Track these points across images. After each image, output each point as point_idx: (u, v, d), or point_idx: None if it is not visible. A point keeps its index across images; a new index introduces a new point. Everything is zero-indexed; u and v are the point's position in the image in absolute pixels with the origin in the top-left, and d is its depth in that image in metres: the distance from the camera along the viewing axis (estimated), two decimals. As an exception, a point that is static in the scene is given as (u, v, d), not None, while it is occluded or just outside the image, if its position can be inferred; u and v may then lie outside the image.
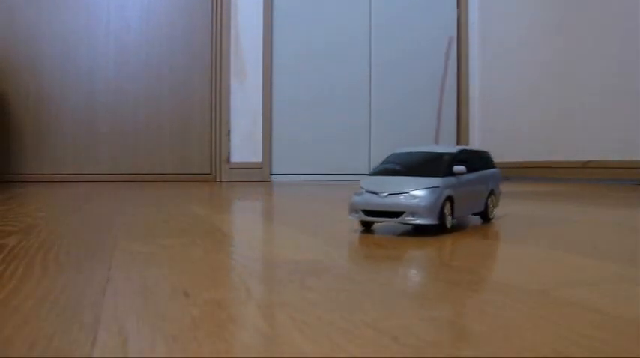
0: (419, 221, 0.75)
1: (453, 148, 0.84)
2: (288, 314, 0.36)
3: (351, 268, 0.52)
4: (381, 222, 0.79)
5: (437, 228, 0.77)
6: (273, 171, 3.16)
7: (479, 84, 3.48)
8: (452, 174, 0.79)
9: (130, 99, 3.04)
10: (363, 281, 0.46)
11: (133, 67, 3.05)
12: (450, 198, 0.78)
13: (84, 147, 2.98)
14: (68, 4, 2.97)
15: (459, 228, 0.85)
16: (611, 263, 0.54)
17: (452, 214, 0.79)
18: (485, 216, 0.92)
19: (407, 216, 0.75)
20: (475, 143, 3.47)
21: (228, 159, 3.07)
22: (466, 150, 0.86)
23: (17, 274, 0.49)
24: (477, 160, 0.88)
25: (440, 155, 0.82)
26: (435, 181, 0.76)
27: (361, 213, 0.79)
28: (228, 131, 3.07)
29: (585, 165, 2.69)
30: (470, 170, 0.84)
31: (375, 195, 0.77)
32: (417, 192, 0.75)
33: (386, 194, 0.77)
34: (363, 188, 0.80)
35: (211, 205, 1.30)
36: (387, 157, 0.86)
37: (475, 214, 0.90)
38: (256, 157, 3.11)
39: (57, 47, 2.96)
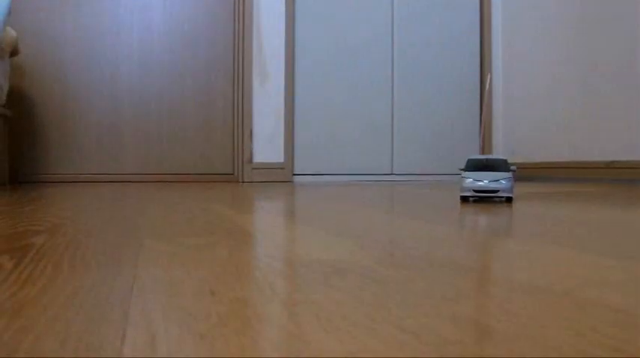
0: (508, 195, 1.32)
1: (502, 156, 1.41)
2: (313, 312, 0.36)
3: (375, 267, 0.52)
4: (484, 197, 1.34)
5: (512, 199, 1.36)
6: (296, 172, 3.17)
7: (502, 84, 3.46)
8: (510, 170, 1.35)
9: (154, 101, 3.07)
10: (387, 281, 0.46)
11: (157, 69, 3.08)
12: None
13: (108, 148, 3.02)
14: (93, 9, 3.01)
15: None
16: (637, 263, 0.54)
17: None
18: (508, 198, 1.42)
19: (501, 193, 1.31)
20: (498, 143, 3.46)
21: (250, 160, 3.08)
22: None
23: (46, 273, 0.50)
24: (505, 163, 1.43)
25: (502, 160, 1.36)
26: (509, 174, 1.33)
27: (472, 191, 1.32)
28: (251, 131, 3.08)
29: (610, 165, 2.66)
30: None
31: (479, 181, 1.32)
32: (504, 180, 1.31)
33: (487, 181, 1.32)
34: (469, 178, 1.33)
35: (234, 205, 1.31)
36: (469, 161, 1.37)
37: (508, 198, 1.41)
38: (278, 158, 3.12)
39: (81, 51, 3.00)
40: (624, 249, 0.63)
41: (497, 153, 3.44)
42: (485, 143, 3.44)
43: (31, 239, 0.73)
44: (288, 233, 0.80)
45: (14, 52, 2.55)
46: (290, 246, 0.67)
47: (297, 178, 3.17)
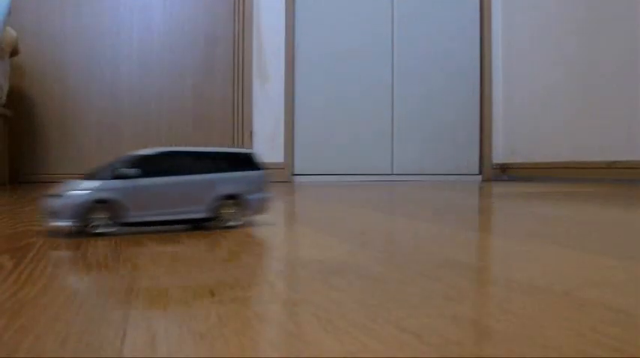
0: (57, 222, 0.74)
1: (154, 150, 0.81)
2: (313, 312, 0.36)
3: (375, 267, 0.52)
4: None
5: (80, 230, 0.75)
6: (295, 172, 3.17)
7: (502, 84, 3.46)
8: (120, 177, 0.76)
9: (154, 101, 3.07)
10: (387, 281, 0.46)
11: (157, 69, 3.08)
12: (105, 201, 0.75)
13: (108, 148, 3.02)
14: (93, 9, 3.01)
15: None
16: (636, 263, 0.54)
17: (116, 218, 0.75)
18: (218, 223, 0.82)
19: (49, 218, 0.75)
20: (498, 143, 3.45)
21: (250, 160, 3.08)
22: (176, 151, 0.83)
23: (46, 273, 0.50)
24: (208, 162, 0.83)
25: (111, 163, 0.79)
26: (87, 184, 0.75)
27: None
28: (251, 132, 3.08)
29: (611, 165, 2.66)
30: (182, 172, 0.81)
31: (56, 197, 0.75)
32: (67, 194, 0.74)
33: (58, 195, 0.75)
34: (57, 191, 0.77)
35: (234, 205, 1.31)
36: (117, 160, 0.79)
37: (202, 220, 0.81)
38: (278, 158, 3.12)
39: (81, 51, 3.00)
40: (625, 249, 0.63)
41: (496, 153, 3.43)
42: (485, 143, 3.43)
43: (31, 239, 0.73)
44: (288, 233, 0.80)
45: (14, 52, 2.54)
46: (290, 246, 0.67)
47: (297, 178, 3.17)
